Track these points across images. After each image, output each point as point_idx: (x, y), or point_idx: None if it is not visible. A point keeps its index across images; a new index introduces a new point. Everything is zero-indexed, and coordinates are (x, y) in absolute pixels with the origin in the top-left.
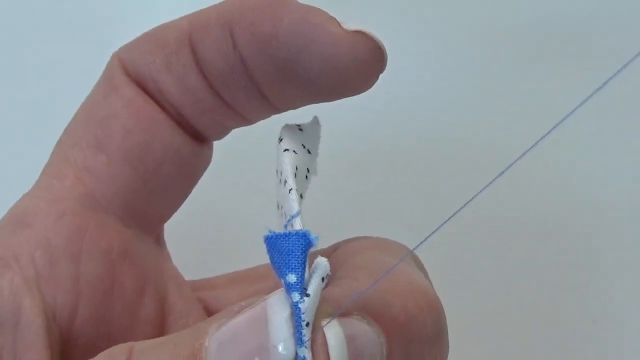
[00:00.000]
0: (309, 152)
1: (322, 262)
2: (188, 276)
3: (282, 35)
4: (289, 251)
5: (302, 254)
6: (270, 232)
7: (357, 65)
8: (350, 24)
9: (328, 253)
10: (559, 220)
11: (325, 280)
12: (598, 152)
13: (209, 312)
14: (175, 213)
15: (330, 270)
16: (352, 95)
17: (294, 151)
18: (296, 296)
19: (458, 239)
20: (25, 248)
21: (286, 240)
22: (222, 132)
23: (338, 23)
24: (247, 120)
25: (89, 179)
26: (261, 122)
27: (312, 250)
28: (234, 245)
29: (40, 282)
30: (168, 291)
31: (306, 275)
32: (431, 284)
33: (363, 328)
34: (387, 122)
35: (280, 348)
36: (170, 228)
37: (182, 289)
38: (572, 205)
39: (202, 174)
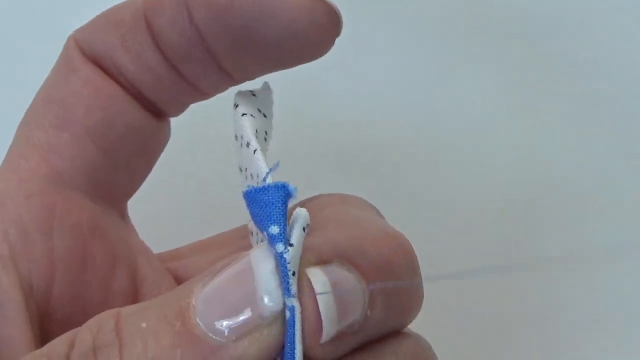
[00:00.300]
0: (265, 116)
1: (302, 213)
2: (153, 250)
3: (238, 4)
4: (269, 203)
5: (282, 205)
6: (249, 187)
7: (314, 30)
8: None
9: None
10: (558, 220)
11: (306, 230)
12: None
13: (179, 281)
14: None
15: (309, 220)
16: (309, 61)
17: (252, 115)
18: (280, 247)
19: (455, 238)
20: None
21: (266, 193)
22: (180, 108)
23: None
24: (206, 95)
25: (54, 158)
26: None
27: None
28: (196, 217)
29: (16, 259)
30: (138, 263)
31: (287, 226)
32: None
33: (345, 274)
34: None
35: (268, 298)
36: (133, 203)
37: (151, 260)
38: (572, 204)
39: (162, 149)
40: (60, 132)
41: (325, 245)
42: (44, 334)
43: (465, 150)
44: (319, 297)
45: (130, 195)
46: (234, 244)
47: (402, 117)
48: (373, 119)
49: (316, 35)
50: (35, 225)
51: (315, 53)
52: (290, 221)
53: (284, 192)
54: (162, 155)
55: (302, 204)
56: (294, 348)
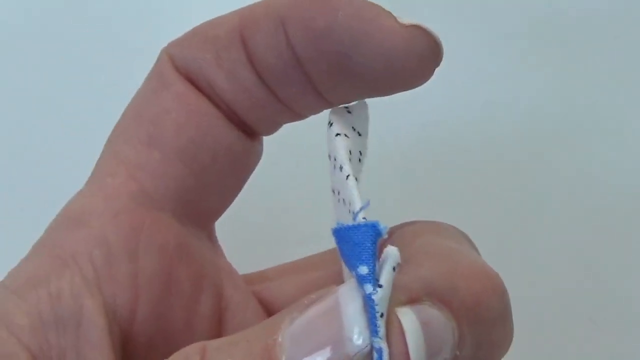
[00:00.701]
0: (359, 135)
1: (392, 252)
2: (240, 271)
3: (337, 30)
4: (358, 243)
5: (372, 245)
6: (338, 224)
7: (412, 60)
8: (406, 18)
9: (384, 240)
10: (558, 219)
11: (396, 270)
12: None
13: (264, 304)
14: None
15: (400, 259)
16: (407, 89)
17: (346, 135)
18: (369, 288)
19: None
20: (83, 247)
21: (355, 232)
22: (273, 128)
23: (393, 17)
24: (299, 115)
25: (142, 176)
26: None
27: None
28: (284, 239)
29: (100, 282)
30: (224, 286)
31: (376, 265)
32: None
33: (435, 314)
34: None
35: (355, 339)
36: (221, 224)
37: (237, 283)
38: (571, 204)
39: (253, 169)
40: (149, 150)
41: (415, 284)
42: (127, 357)
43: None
44: (408, 338)
45: (218, 215)
46: (322, 268)
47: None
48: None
49: (414, 66)
50: (121, 246)
51: (413, 82)
52: (381, 260)
53: (374, 231)
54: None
55: (393, 231)
56: None
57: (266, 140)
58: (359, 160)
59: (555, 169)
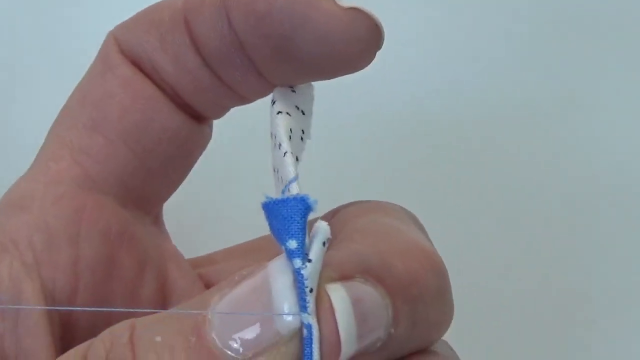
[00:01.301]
0: (303, 114)
1: (322, 226)
2: (187, 255)
3: (276, 13)
4: (288, 217)
5: (301, 219)
6: (267, 198)
7: (352, 44)
8: (346, 1)
9: (327, 218)
10: (558, 219)
11: (327, 245)
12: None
13: (210, 287)
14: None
15: (330, 234)
16: (349, 73)
17: (288, 113)
18: (298, 262)
19: (453, 236)
20: (23, 232)
21: (284, 206)
22: (220, 111)
23: (333, 0)
24: (245, 99)
25: (86, 160)
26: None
27: (311, 215)
28: (232, 221)
29: (40, 266)
30: (168, 270)
31: (307, 240)
32: (432, 244)
33: (368, 290)
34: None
35: (284, 316)
36: (168, 207)
37: (183, 267)
38: (571, 203)
39: (200, 153)
40: (93, 134)
41: (348, 260)
42: (66, 344)
43: None
44: (337, 315)
45: (164, 199)
46: (269, 250)
47: None
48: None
49: (354, 49)
50: (62, 231)
51: (355, 66)
52: (311, 235)
53: (303, 205)
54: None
55: (337, 211)
56: None
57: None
58: (301, 139)
59: (550, 167)
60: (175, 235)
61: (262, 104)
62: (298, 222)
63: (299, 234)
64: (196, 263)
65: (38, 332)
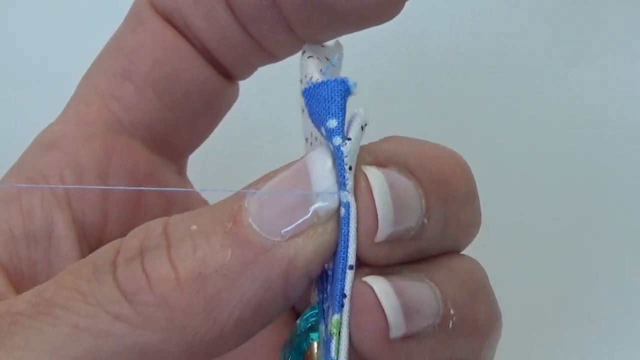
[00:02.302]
0: (333, 66)
1: (360, 112)
2: None
3: None
4: (328, 98)
5: (341, 100)
6: (308, 84)
7: None
8: None
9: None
10: (558, 219)
11: (364, 129)
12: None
13: None
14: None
15: (367, 120)
16: (379, 23)
17: (318, 58)
18: (338, 140)
19: None
20: (55, 168)
21: (325, 88)
22: (248, 70)
23: None
24: (273, 56)
25: (116, 106)
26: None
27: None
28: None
29: (70, 200)
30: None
31: (345, 123)
32: None
33: (402, 179)
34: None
35: (323, 195)
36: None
37: None
38: (571, 203)
39: (227, 110)
40: (124, 82)
41: (383, 150)
42: None
43: None
44: (375, 194)
45: (190, 151)
46: None
47: None
48: None
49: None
50: (92, 168)
51: (385, 15)
52: (349, 119)
53: (343, 86)
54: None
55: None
56: (347, 246)
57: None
58: None
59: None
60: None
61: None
62: (338, 102)
63: (339, 114)
64: None
65: (69, 259)
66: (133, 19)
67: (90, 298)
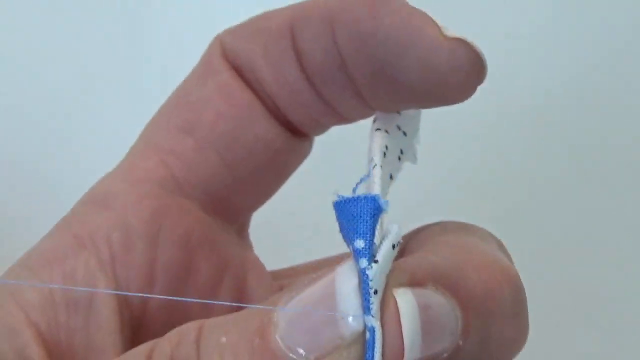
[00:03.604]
0: (405, 134)
1: (393, 229)
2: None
3: (382, 35)
4: (357, 216)
5: (371, 219)
6: (339, 197)
7: (454, 75)
8: (452, 31)
9: (410, 236)
10: (558, 219)
11: (397, 248)
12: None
13: None
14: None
15: (401, 238)
16: (449, 104)
17: (386, 131)
18: (364, 262)
19: None
20: (103, 229)
21: (355, 205)
22: (320, 129)
23: (439, 28)
24: (345, 119)
25: (174, 163)
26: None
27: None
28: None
29: (115, 265)
30: (247, 280)
31: (377, 242)
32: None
33: (437, 299)
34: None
35: (347, 320)
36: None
37: (263, 278)
38: (571, 204)
39: (295, 168)
40: (184, 136)
41: (420, 267)
42: (136, 345)
43: None
44: (403, 319)
45: (252, 210)
46: None
47: None
48: None
49: (455, 82)
50: (141, 231)
51: (455, 97)
52: (381, 237)
53: (374, 205)
54: None
55: (421, 229)
56: None
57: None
58: (399, 158)
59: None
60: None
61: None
62: (367, 222)
63: (366, 234)
64: (278, 275)
65: (109, 329)
66: (203, 68)
67: None
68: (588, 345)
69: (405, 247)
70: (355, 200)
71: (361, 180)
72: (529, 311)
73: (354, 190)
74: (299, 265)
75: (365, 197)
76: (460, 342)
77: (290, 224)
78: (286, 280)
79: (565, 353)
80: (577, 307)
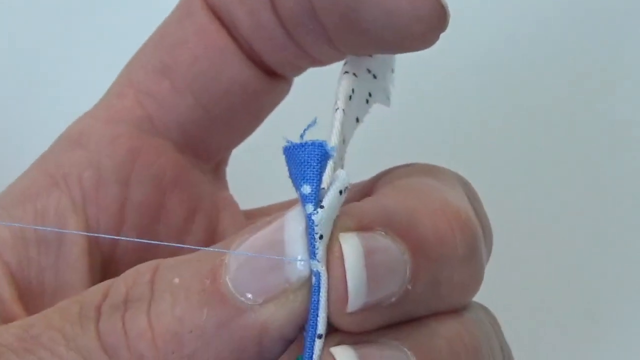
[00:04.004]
0: (375, 77)
1: (341, 174)
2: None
3: None
4: (304, 161)
5: (317, 164)
6: (288, 142)
7: (416, 23)
8: None
9: (375, 179)
10: (559, 219)
11: (344, 194)
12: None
13: None
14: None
15: (349, 183)
16: (414, 50)
17: (354, 74)
18: (310, 208)
19: None
20: (76, 168)
21: (302, 150)
22: (296, 71)
23: None
24: (319, 62)
25: (150, 103)
26: None
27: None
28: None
29: (86, 204)
30: (220, 219)
31: (325, 187)
32: (480, 213)
33: (386, 243)
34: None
35: (293, 264)
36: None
37: (236, 217)
38: (571, 204)
39: (272, 109)
40: (161, 78)
41: (370, 211)
42: None
43: None
44: (347, 264)
45: (227, 150)
46: None
47: None
48: None
49: (417, 29)
50: (113, 171)
51: (418, 45)
52: (329, 183)
53: (321, 151)
54: None
55: (385, 173)
56: (317, 315)
57: None
58: (366, 101)
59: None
60: (237, 186)
61: None
62: (314, 167)
63: (313, 179)
64: (251, 214)
65: (78, 268)
66: (181, 9)
67: (72, 344)
68: (588, 345)
69: (371, 189)
70: (302, 146)
71: (308, 126)
72: (528, 312)
73: (302, 136)
74: (272, 205)
75: (313, 143)
76: (410, 287)
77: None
78: (257, 219)
79: (565, 353)
80: (577, 304)
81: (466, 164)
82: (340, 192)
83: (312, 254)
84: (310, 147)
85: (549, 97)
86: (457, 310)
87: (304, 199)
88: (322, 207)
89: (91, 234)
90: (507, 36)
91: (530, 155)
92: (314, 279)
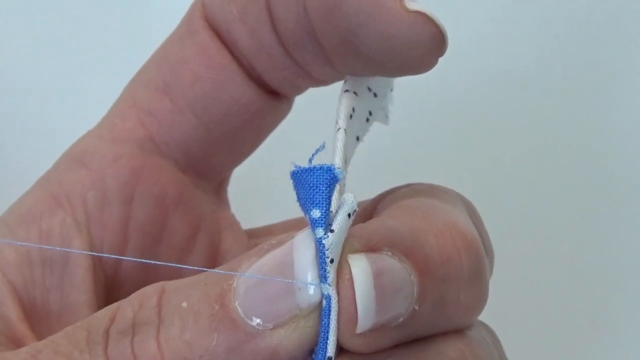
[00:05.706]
0: (375, 96)
1: (348, 198)
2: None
3: (345, 6)
4: (313, 186)
5: (326, 189)
6: (295, 167)
7: (414, 47)
8: (413, 4)
9: (377, 200)
10: (559, 219)
11: (352, 217)
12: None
13: None
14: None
15: (357, 206)
16: (412, 74)
17: (355, 92)
18: (320, 232)
19: None
20: (79, 188)
21: (311, 175)
22: (297, 90)
23: (400, 0)
24: (320, 82)
25: (151, 123)
26: None
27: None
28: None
29: (90, 224)
30: (222, 239)
31: (333, 210)
32: (482, 232)
33: (393, 264)
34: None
35: (304, 289)
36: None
37: (238, 237)
38: (572, 204)
39: (273, 128)
40: (163, 97)
41: (377, 232)
42: (111, 302)
43: None
44: (356, 286)
45: (229, 169)
46: None
47: None
48: None
49: (415, 53)
50: (117, 191)
51: (416, 69)
52: (337, 206)
53: (330, 175)
54: None
55: (390, 191)
56: (327, 338)
57: None
58: (367, 120)
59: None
60: (239, 206)
61: None
62: (323, 192)
63: (322, 204)
64: (253, 233)
65: (84, 288)
66: (184, 28)
67: None
68: (588, 347)
69: (374, 209)
70: (311, 170)
71: (317, 151)
72: (532, 312)
73: (310, 160)
74: (273, 225)
75: (321, 168)
76: (416, 307)
77: (269, 182)
78: (262, 239)
79: (565, 354)
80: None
81: (465, 181)
82: (349, 215)
83: (323, 277)
84: (319, 171)
85: (548, 112)
86: (461, 329)
87: (313, 223)
88: (332, 230)
89: (97, 254)
90: (503, 62)
91: (530, 165)
92: (324, 302)
